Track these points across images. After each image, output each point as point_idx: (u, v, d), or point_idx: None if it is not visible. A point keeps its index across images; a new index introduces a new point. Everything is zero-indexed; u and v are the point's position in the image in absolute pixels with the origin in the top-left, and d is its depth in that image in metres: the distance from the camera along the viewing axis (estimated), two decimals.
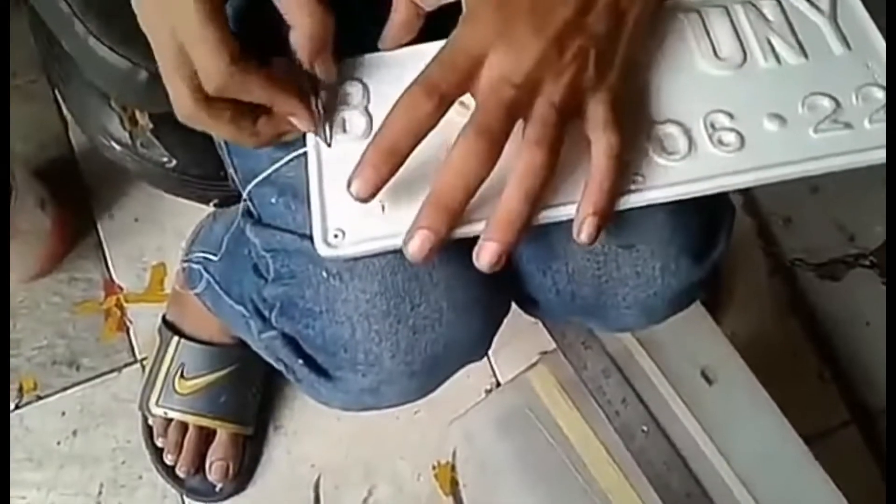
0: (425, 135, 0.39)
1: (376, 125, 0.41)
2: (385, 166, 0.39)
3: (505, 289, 0.59)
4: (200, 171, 0.78)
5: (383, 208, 0.43)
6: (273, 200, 0.54)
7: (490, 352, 1.01)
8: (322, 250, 0.43)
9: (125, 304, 1.00)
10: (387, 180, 0.40)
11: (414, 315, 0.51)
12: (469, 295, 0.53)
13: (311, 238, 0.44)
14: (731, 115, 0.44)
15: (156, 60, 0.43)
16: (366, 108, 0.46)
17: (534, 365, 0.92)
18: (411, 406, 0.98)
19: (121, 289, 1.00)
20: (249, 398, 0.92)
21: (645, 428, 0.83)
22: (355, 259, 0.48)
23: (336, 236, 0.43)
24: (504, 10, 0.40)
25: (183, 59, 0.41)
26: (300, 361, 0.56)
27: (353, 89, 0.47)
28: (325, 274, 0.52)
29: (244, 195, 0.58)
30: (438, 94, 0.39)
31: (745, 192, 1.14)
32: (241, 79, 0.41)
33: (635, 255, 0.55)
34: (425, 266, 0.51)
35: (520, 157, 0.39)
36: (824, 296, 1.11)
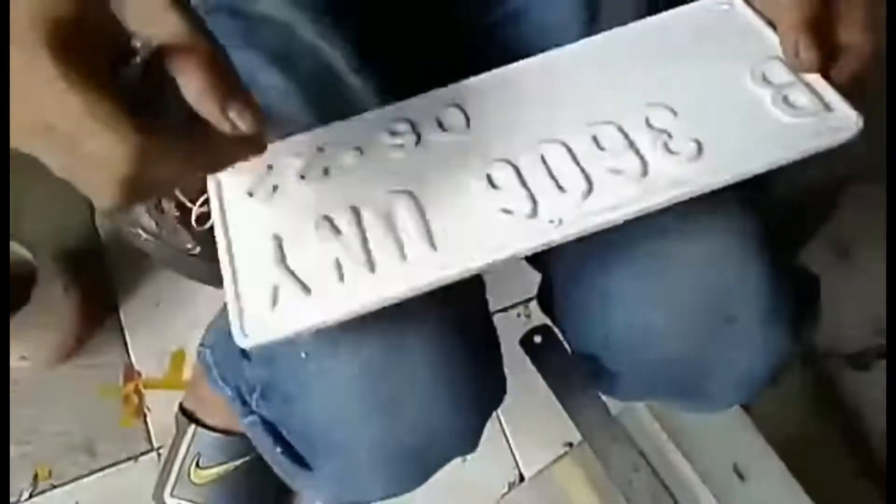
0: None
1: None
2: None
3: (493, 378, 0.56)
4: None
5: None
6: None
7: (512, 442, 1.01)
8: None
9: (143, 390, 0.99)
10: None
11: (391, 401, 0.49)
12: (453, 376, 0.50)
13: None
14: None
15: None
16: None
17: (559, 458, 0.89)
18: (434, 499, 0.96)
19: (140, 374, 1.00)
20: (265, 489, 0.90)
21: None
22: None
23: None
24: None
25: (80, 153, 0.33)
26: (279, 449, 0.54)
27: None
28: (303, 355, 0.50)
29: None
30: None
31: None
32: (160, 145, 0.33)
33: (735, 331, 0.52)
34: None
35: None
36: (856, 387, 1.08)
